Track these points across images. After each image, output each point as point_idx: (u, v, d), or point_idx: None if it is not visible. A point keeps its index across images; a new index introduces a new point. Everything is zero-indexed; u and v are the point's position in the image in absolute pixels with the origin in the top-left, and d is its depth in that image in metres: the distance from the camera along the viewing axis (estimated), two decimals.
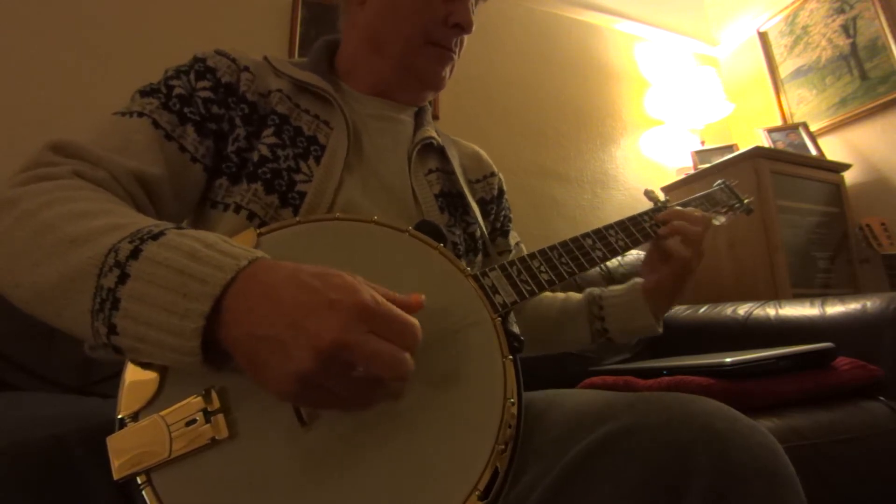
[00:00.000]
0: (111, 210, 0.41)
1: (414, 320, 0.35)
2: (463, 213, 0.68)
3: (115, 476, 0.34)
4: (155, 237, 0.36)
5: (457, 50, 0.67)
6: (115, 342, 0.34)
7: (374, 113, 0.67)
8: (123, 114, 0.53)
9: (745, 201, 0.81)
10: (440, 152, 0.70)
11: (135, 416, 0.36)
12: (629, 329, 0.68)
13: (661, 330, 0.68)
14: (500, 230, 0.78)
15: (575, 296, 0.75)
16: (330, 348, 0.30)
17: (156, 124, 0.52)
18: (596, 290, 0.73)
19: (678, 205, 0.72)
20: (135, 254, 0.34)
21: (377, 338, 0.32)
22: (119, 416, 0.36)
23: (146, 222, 0.38)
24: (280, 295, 0.33)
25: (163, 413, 0.36)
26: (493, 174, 0.78)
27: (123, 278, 0.34)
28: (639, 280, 0.70)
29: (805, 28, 2.07)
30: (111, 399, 0.38)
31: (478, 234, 0.68)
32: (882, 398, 0.88)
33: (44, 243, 0.37)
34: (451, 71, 0.68)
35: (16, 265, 0.38)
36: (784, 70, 2.14)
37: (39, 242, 0.37)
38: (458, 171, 0.70)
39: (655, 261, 0.67)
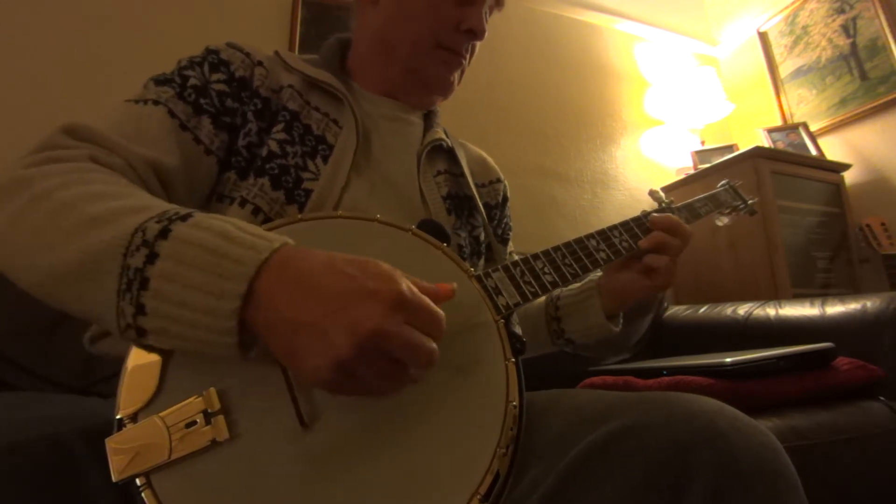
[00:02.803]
0: (132, 193, 0.40)
1: (441, 311, 0.35)
2: (469, 216, 0.67)
3: (115, 478, 0.34)
4: (183, 218, 0.35)
5: (467, 56, 0.66)
6: (140, 323, 0.34)
7: (386, 113, 0.66)
8: (137, 101, 0.51)
9: (750, 202, 0.80)
10: (449, 154, 0.70)
11: (134, 417, 0.36)
12: (585, 328, 0.65)
13: (616, 329, 0.64)
14: (500, 237, 0.78)
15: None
16: (369, 336, 0.31)
17: (171, 113, 0.51)
18: (556, 290, 0.67)
19: (683, 206, 0.71)
20: (164, 233, 0.34)
21: (411, 328, 0.33)
22: (118, 417, 0.36)
23: (170, 205, 0.38)
24: (318, 281, 0.33)
25: (162, 414, 0.36)
26: (498, 180, 0.78)
27: (152, 258, 0.33)
28: (595, 276, 0.65)
29: (805, 28, 2.07)
30: (111, 399, 0.38)
31: (482, 237, 0.67)
32: (882, 398, 0.88)
33: (62, 224, 0.36)
34: (459, 76, 0.67)
35: (30, 246, 0.37)
36: (784, 70, 2.14)
37: (57, 223, 0.36)
38: (468, 173, 0.70)
39: (628, 260, 0.63)
